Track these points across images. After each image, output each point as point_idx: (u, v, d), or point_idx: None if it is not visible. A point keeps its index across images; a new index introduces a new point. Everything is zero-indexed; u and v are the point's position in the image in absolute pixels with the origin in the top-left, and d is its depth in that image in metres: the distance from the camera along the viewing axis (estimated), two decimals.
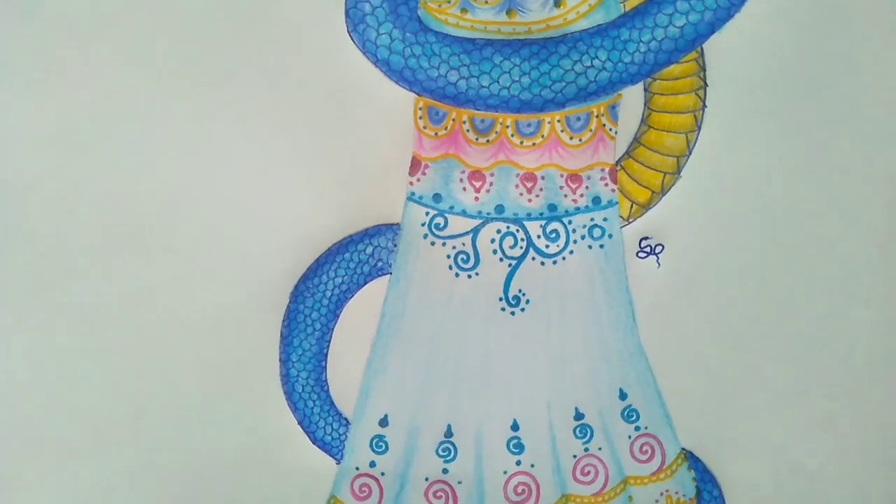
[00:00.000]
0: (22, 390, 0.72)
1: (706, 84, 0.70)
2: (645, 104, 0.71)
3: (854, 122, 0.71)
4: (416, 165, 0.70)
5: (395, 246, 0.71)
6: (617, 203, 0.71)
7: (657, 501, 0.74)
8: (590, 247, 0.71)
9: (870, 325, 0.74)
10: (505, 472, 0.73)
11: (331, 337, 0.72)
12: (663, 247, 0.72)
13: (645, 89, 0.70)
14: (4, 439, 0.73)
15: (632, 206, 0.71)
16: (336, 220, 0.70)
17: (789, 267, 0.72)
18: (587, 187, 0.70)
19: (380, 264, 0.71)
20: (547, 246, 0.70)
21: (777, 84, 0.70)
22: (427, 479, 0.73)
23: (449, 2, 0.68)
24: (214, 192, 0.70)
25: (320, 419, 0.72)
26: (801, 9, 0.70)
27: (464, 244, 0.70)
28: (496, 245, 0.70)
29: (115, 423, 0.72)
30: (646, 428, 0.73)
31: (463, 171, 0.70)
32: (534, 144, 0.69)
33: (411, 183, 0.70)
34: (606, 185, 0.70)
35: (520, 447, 0.72)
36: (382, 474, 0.73)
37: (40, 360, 0.72)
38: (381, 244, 0.71)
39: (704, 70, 0.70)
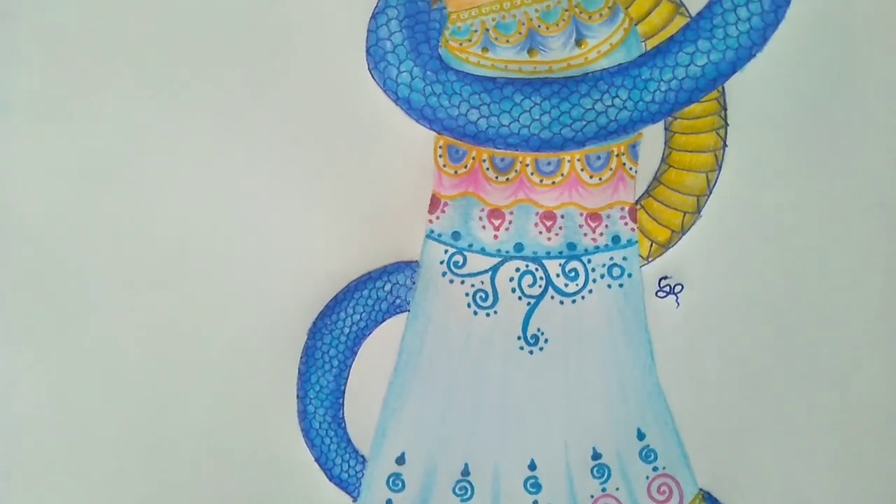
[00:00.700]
0: (40, 423, 0.72)
1: (727, 123, 0.70)
2: (665, 143, 0.70)
3: (874, 162, 0.71)
4: (435, 203, 0.70)
5: (414, 283, 0.71)
6: (637, 242, 0.71)
7: None
8: (609, 286, 0.70)
9: (891, 367, 0.73)
10: None
11: (348, 374, 0.72)
12: (683, 287, 0.71)
13: (665, 128, 0.70)
14: (23, 470, 0.73)
15: (651, 246, 0.71)
16: (355, 256, 0.70)
17: (809, 307, 0.72)
18: (607, 226, 0.70)
19: (398, 302, 0.71)
20: (566, 285, 0.70)
21: (798, 124, 0.70)
22: None
23: (470, 40, 0.68)
24: (233, 228, 0.70)
25: (337, 456, 0.72)
26: (822, 49, 0.69)
27: (482, 282, 0.70)
28: (515, 284, 0.70)
29: (132, 457, 0.72)
30: (663, 468, 0.73)
31: (482, 210, 0.70)
32: (553, 183, 0.69)
33: (430, 221, 0.70)
34: (626, 224, 0.70)
35: (537, 486, 0.72)
36: None
37: (58, 393, 0.72)
38: (400, 281, 0.71)
39: (725, 109, 0.70)
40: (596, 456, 0.72)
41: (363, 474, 0.72)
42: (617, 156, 0.69)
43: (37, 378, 0.72)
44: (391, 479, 0.72)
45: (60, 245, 0.70)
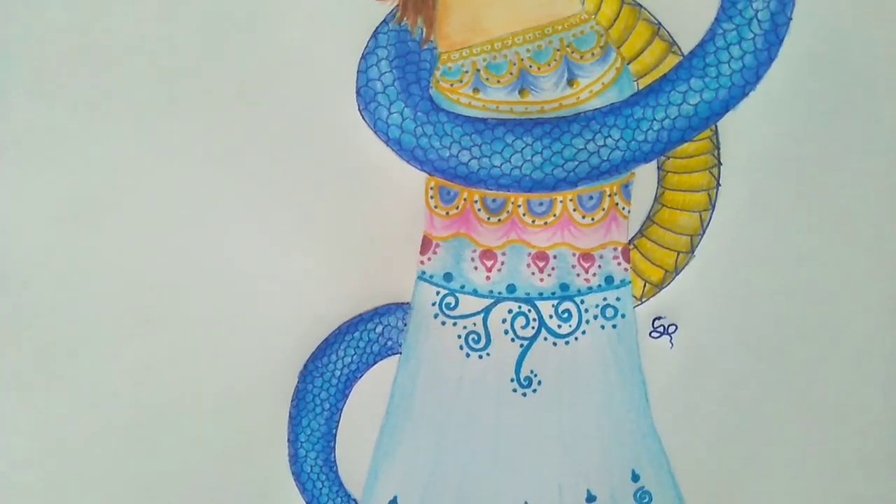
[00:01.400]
0: (26, 468, 0.71)
1: (720, 162, 0.69)
2: (658, 182, 0.70)
3: (869, 201, 0.70)
4: (426, 244, 0.69)
5: (406, 325, 0.70)
6: (630, 283, 0.70)
7: None
8: (602, 327, 0.70)
9: (886, 404, 0.72)
10: None
11: (340, 417, 0.71)
12: (677, 327, 0.71)
13: (658, 167, 0.70)
14: None
15: (645, 286, 0.70)
16: (346, 298, 0.70)
17: (804, 347, 0.71)
18: (600, 266, 0.69)
19: (389, 343, 0.70)
20: (559, 326, 0.70)
21: (792, 162, 0.70)
22: None
23: (461, 81, 0.68)
24: (222, 270, 0.70)
25: (329, 500, 0.71)
26: (815, 88, 0.69)
27: (475, 324, 0.70)
28: (508, 325, 0.69)
29: (121, 501, 0.71)
30: None
31: (474, 251, 0.69)
32: (546, 223, 0.69)
33: (422, 262, 0.69)
34: (619, 264, 0.70)
35: None
36: None
37: (45, 437, 0.71)
38: (391, 323, 0.70)
39: (718, 148, 0.69)
40: (590, 498, 0.71)
41: None
42: (609, 196, 0.69)
43: (21, 423, 0.71)
44: None
45: (46, 290, 0.70)
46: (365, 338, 0.70)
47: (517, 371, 0.70)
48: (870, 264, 0.71)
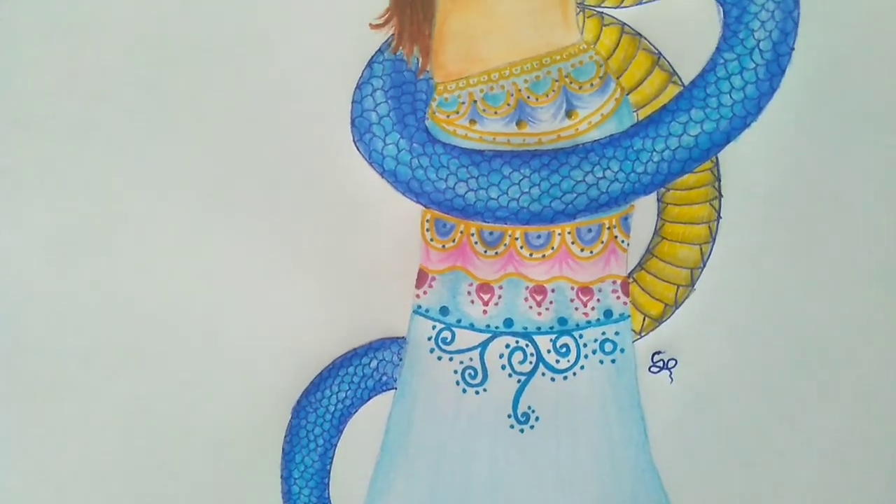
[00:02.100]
0: None
1: (721, 194, 0.68)
2: (658, 214, 0.69)
3: (872, 234, 0.69)
4: (422, 278, 0.68)
5: (401, 360, 0.69)
6: (629, 316, 0.69)
7: None
8: (601, 362, 0.69)
9: (890, 444, 0.72)
10: None
11: (334, 453, 0.70)
12: (676, 361, 0.70)
13: (658, 199, 0.69)
14: None
15: (644, 320, 0.69)
16: (340, 332, 0.69)
17: (806, 382, 0.70)
18: (598, 300, 0.68)
19: (384, 378, 0.69)
20: (557, 361, 0.68)
21: (793, 195, 0.69)
22: None
23: (458, 112, 0.66)
24: (214, 303, 0.68)
25: None
26: (817, 120, 0.68)
27: (471, 359, 0.68)
28: (505, 360, 0.68)
29: None
30: None
31: (471, 284, 0.68)
32: (543, 256, 0.67)
33: (418, 296, 0.68)
34: (618, 297, 0.69)
35: None
36: None
37: (33, 473, 0.70)
38: (387, 358, 0.69)
39: (719, 180, 0.68)
40: None
41: None
42: (608, 228, 0.68)
43: (9, 458, 0.70)
44: None
45: (35, 323, 0.68)
46: (359, 373, 0.69)
47: (514, 407, 0.69)
48: (873, 298, 0.70)
